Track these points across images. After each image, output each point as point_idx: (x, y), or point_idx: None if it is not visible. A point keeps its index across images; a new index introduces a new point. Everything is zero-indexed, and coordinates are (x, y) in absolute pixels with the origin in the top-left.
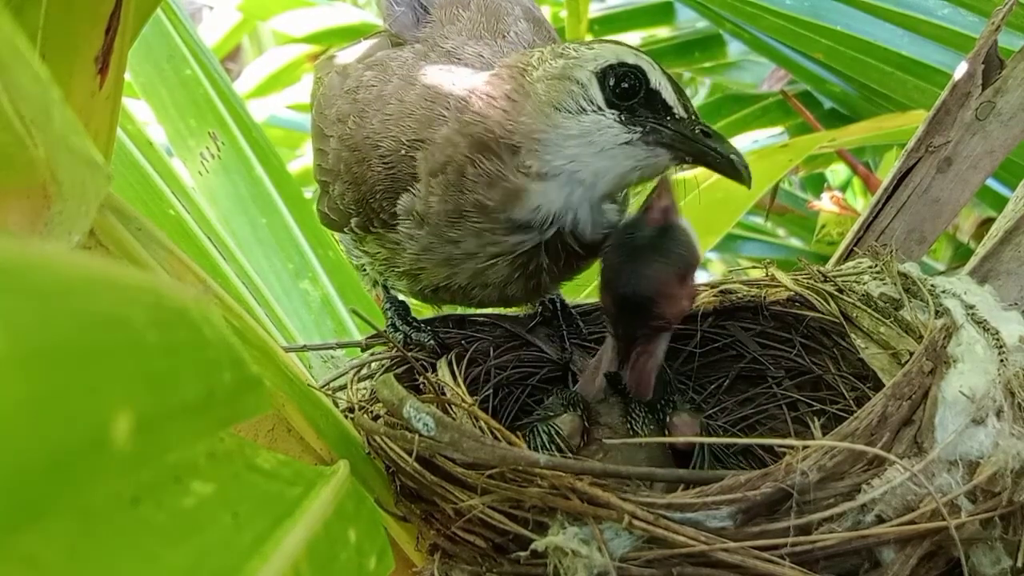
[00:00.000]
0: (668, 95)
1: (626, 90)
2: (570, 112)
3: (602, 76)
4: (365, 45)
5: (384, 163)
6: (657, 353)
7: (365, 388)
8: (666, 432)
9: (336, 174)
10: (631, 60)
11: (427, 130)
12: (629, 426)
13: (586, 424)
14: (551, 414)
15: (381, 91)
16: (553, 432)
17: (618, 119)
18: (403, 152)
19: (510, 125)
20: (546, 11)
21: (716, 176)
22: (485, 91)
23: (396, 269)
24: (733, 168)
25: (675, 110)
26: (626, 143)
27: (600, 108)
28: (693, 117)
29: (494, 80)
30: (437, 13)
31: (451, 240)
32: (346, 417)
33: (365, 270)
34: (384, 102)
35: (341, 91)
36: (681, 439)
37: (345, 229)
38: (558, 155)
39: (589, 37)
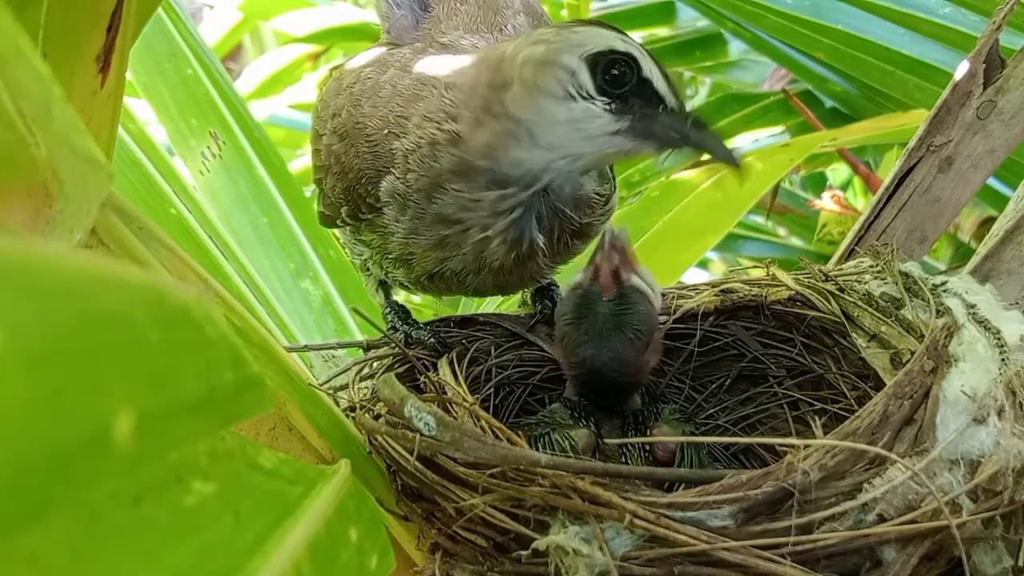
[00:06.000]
0: (659, 84)
1: (616, 78)
2: (557, 98)
3: (592, 62)
4: (365, 55)
5: (368, 143)
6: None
7: (366, 387)
8: (648, 445)
9: (327, 168)
10: (621, 48)
11: (411, 106)
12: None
13: (599, 441)
14: (561, 423)
15: (377, 81)
16: (568, 445)
17: (608, 107)
18: (386, 132)
19: (496, 108)
20: (546, 10)
21: (716, 176)
22: (469, 76)
23: (390, 256)
24: (729, 156)
25: (667, 100)
26: (615, 132)
27: (590, 95)
28: (683, 106)
29: (479, 65)
30: (436, 9)
31: (434, 219)
32: (347, 416)
33: (368, 268)
34: (377, 90)
35: (339, 89)
36: (668, 438)
37: (338, 221)
38: (543, 138)
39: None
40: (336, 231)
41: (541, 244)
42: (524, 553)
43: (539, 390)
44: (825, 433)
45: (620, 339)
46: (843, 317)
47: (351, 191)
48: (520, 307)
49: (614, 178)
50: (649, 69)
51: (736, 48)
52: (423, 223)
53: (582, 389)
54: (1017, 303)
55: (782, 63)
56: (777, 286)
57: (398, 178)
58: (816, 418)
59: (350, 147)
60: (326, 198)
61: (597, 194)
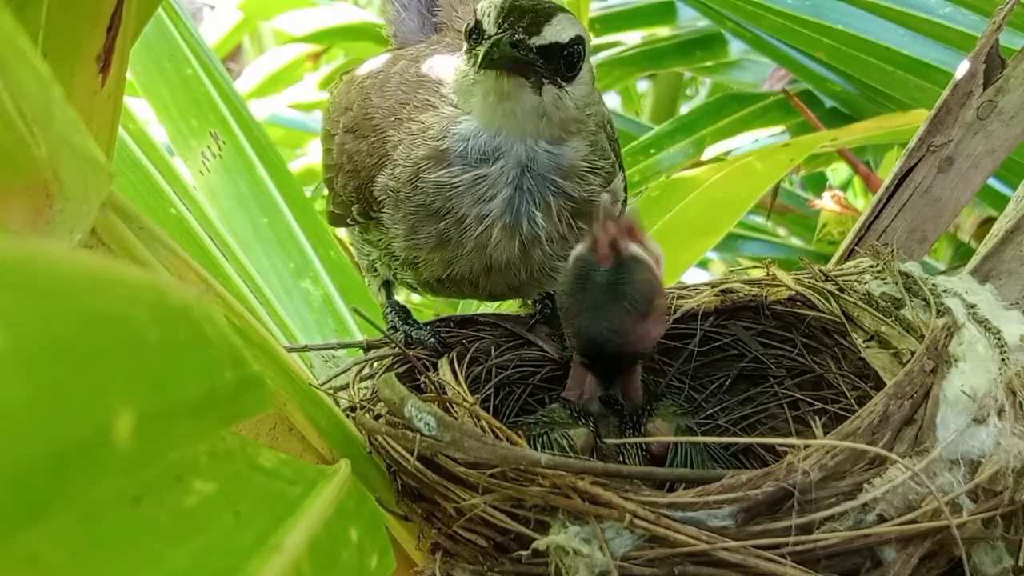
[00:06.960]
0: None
1: (470, 32)
2: (462, 67)
3: (469, 31)
4: (377, 59)
5: (376, 132)
6: (638, 368)
7: (366, 387)
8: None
9: (339, 167)
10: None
11: (409, 97)
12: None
13: (597, 441)
14: (559, 422)
15: (387, 73)
16: (566, 444)
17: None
18: (393, 119)
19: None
20: None
21: (718, 175)
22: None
23: (397, 259)
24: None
25: (487, 31)
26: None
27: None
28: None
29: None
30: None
31: (425, 213)
32: (347, 416)
33: (375, 268)
34: (386, 81)
35: (351, 87)
36: (664, 438)
37: (349, 220)
38: (456, 99)
39: (591, 36)
40: (343, 231)
41: (540, 221)
42: (524, 553)
43: (539, 390)
44: (825, 433)
45: (616, 310)
46: (843, 317)
47: (363, 188)
48: (520, 307)
49: (617, 155)
50: (484, 13)
51: (736, 48)
52: (417, 219)
53: (585, 359)
54: (1017, 303)
55: (782, 63)
56: (777, 286)
57: (390, 173)
58: (816, 418)
59: (360, 139)
60: (336, 196)
61: (588, 164)
